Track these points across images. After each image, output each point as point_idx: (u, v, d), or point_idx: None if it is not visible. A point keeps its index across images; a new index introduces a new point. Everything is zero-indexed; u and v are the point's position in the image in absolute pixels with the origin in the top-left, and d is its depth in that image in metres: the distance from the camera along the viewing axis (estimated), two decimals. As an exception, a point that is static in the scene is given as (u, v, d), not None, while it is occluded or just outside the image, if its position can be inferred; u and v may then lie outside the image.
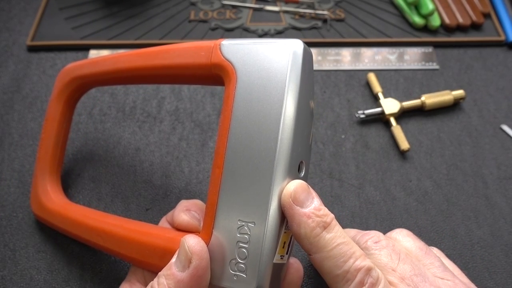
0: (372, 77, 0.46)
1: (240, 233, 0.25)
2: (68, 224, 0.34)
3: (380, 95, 0.44)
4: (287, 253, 0.27)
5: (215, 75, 0.28)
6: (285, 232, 0.26)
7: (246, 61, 0.26)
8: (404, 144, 0.41)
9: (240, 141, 0.26)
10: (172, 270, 0.25)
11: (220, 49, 0.28)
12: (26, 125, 0.43)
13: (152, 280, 0.26)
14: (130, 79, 0.36)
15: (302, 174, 0.27)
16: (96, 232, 0.32)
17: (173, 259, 0.26)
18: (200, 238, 0.26)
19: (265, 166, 0.25)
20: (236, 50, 0.27)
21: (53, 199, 0.36)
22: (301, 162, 0.26)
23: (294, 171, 0.26)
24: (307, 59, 0.26)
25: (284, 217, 0.25)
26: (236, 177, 0.26)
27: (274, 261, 0.25)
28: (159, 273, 0.26)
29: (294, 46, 0.26)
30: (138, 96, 0.46)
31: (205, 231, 0.26)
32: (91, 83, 0.38)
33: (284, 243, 0.26)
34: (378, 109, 0.43)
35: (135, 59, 0.33)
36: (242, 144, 0.25)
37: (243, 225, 0.25)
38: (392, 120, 0.43)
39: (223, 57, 0.27)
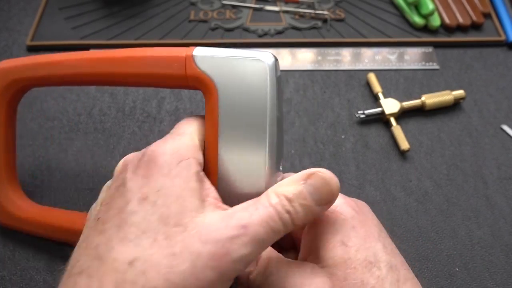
0: (372, 77, 0.46)
1: None
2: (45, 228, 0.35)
3: (380, 95, 0.44)
4: None
5: (193, 86, 0.28)
6: None
7: (224, 75, 0.27)
8: (404, 144, 0.41)
9: (231, 146, 0.27)
10: (309, 201, 0.24)
11: (194, 61, 0.27)
12: (25, 125, 0.43)
13: None
14: (88, 83, 0.34)
15: (281, 168, 0.30)
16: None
17: (307, 186, 0.24)
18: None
19: (257, 170, 0.26)
20: (211, 63, 0.27)
21: (21, 207, 0.35)
22: (281, 159, 0.29)
23: (278, 167, 0.28)
24: (278, 69, 0.28)
25: None
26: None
27: None
28: (289, 195, 0.24)
29: (267, 59, 0.27)
30: (138, 96, 0.45)
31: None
32: (36, 84, 0.35)
33: None
34: (378, 109, 0.43)
35: (95, 64, 0.31)
36: (232, 150, 0.27)
37: None
38: (392, 120, 0.43)
39: (199, 70, 0.27)
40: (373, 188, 0.39)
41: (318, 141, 0.42)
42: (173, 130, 0.28)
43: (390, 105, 0.43)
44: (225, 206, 0.25)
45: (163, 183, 0.24)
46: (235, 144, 0.27)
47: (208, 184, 0.25)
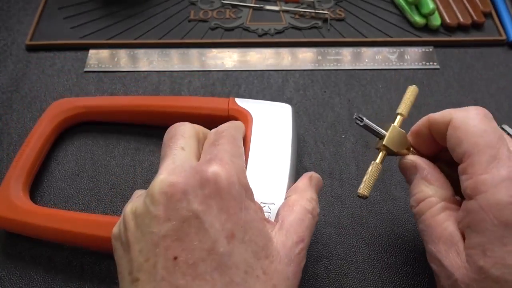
0: (411, 91, 0.33)
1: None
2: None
3: (398, 117, 0.32)
4: None
5: (232, 117, 0.37)
6: None
7: (257, 111, 0.37)
8: (362, 188, 0.31)
9: (257, 167, 0.33)
10: (316, 197, 0.30)
11: (235, 101, 0.38)
12: (25, 125, 0.43)
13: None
14: (136, 117, 0.41)
15: None
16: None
17: (313, 186, 0.31)
18: None
19: (281, 174, 0.33)
20: (248, 103, 0.38)
21: (30, 211, 0.36)
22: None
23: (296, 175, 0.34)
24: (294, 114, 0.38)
25: None
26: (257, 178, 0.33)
27: None
28: (314, 197, 0.30)
29: (289, 107, 0.38)
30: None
31: None
32: (85, 115, 0.42)
33: None
34: (380, 130, 0.31)
35: (153, 100, 0.41)
36: (258, 172, 0.33)
37: (265, 206, 0.31)
38: (380, 154, 0.32)
39: (239, 106, 0.38)
40: (373, 188, 0.39)
41: (318, 140, 0.42)
42: (225, 147, 0.27)
43: (395, 140, 0.31)
44: (272, 221, 0.28)
45: (245, 218, 0.25)
46: (261, 166, 0.32)
47: (258, 205, 0.27)
